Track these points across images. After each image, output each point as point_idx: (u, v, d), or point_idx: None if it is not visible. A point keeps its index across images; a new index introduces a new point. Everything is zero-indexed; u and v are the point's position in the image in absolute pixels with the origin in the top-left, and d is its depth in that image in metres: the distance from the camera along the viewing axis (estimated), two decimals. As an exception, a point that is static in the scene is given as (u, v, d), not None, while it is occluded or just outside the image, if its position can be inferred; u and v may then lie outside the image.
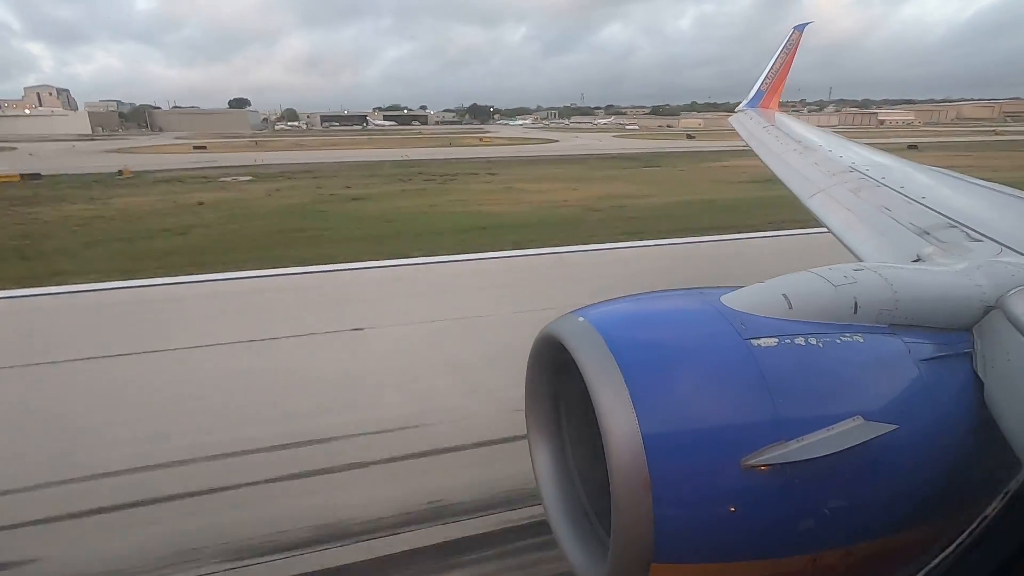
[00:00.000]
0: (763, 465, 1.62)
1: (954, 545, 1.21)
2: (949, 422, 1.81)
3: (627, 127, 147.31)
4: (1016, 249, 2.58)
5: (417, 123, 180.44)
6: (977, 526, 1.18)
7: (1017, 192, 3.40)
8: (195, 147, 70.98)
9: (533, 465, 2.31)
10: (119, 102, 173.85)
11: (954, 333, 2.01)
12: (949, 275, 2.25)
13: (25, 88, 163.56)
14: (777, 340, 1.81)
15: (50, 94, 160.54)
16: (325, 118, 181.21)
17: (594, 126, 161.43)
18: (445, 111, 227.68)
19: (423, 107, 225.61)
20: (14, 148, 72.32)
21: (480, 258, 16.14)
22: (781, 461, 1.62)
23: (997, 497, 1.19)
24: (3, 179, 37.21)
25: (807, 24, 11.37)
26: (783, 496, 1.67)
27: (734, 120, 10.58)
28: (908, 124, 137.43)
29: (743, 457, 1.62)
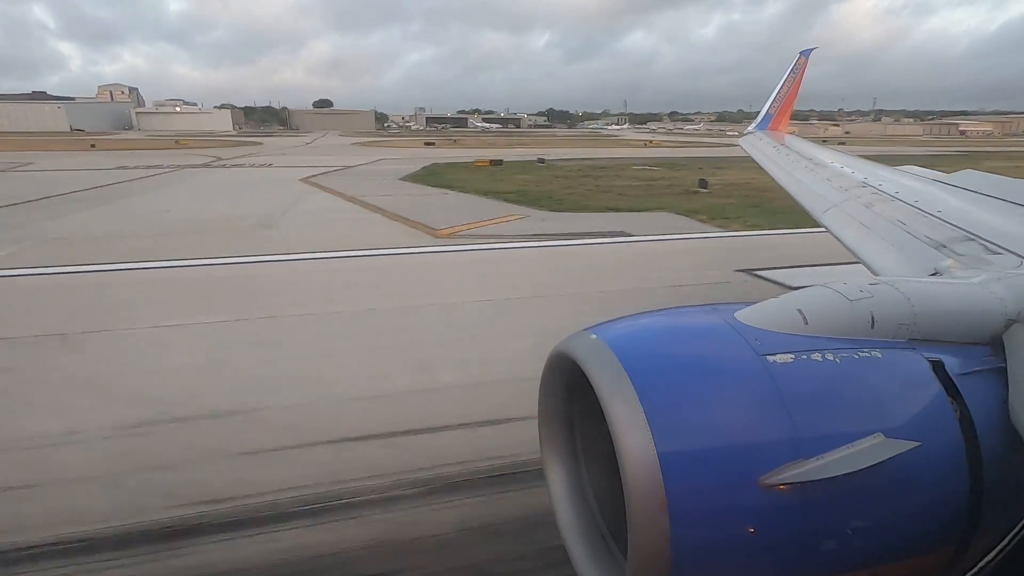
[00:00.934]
0: (782, 484, 1.59)
1: (980, 564, 1.18)
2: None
3: (727, 132, 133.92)
4: None
5: (512, 125, 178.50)
6: (1004, 547, 1.15)
7: None
8: (425, 143, 73.15)
9: (547, 484, 2.29)
10: (183, 101, 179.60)
11: (975, 347, 1.98)
12: (968, 288, 2.22)
13: (99, 86, 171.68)
14: (793, 356, 1.79)
15: (122, 92, 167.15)
16: (430, 119, 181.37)
17: (696, 131, 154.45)
18: (531, 115, 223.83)
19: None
20: (259, 143, 72.61)
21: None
22: (801, 480, 1.58)
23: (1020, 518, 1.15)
24: (480, 164, 40.42)
25: (813, 49, 11.63)
26: (803, 516, 1.63)
27: (743, 142, 10.71)
28: (988, 135, 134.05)
29: (761, 476, 1.59)
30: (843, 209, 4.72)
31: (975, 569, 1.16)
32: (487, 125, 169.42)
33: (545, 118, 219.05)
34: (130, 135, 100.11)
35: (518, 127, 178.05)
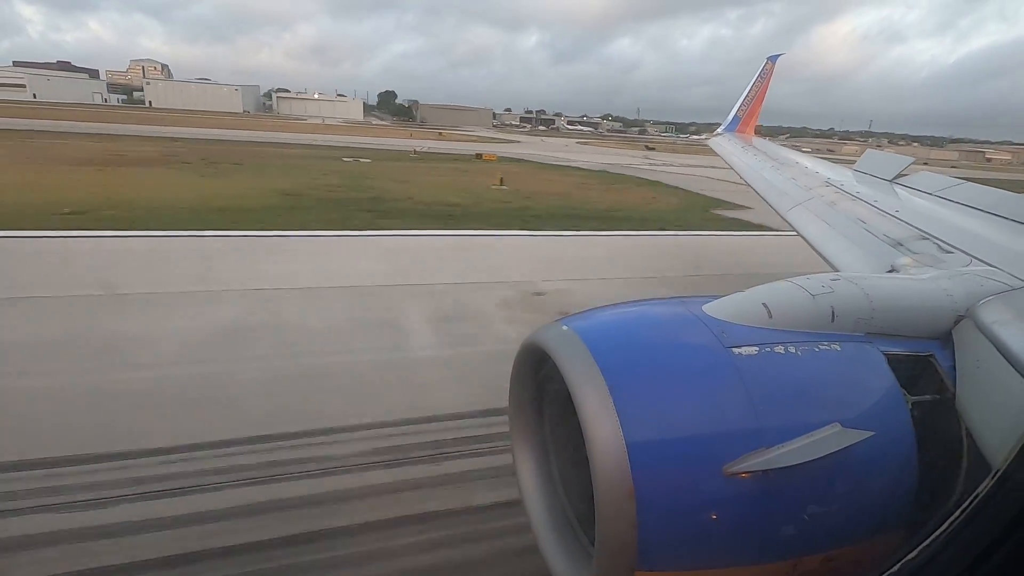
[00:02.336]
0: (744, 472, 1.63)
1: (917, 550, 1.24)
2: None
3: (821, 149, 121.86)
4: (985, 261, 2.67)
5: (590, 129, 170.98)
6: (944, 529, 1.22)
7: (982, 206, 3.52)
8: (647, 147, 70.66)
9: (517, 473, 2.30)
10: (206, 79, 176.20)
11: (927, 341, 2.07)
12: (922, 285, 2.32)
13: (131, 60, 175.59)
14: (757, 349, 1.84)
15: (154, 69, 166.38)
16: (523, 119, 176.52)
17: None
18: (606, 118, 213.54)
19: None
20: (518, 142, 67.66)
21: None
22: (762, 468, 1.63)
23: (966, 500, 1.23)
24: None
25: (780, 55, 12.00)
26: (764, 503, 1.68)
27: (712, 142, 10.97)
28: (1008, 163, 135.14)
29: (725, 464, 1.64)
30: (807, 207, 4.85)
31: (923, 552, 1.23)
32: (581, 127, 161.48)
33: (620, 124, 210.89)
34: (312, 120, 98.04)
35: (596, 129, 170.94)
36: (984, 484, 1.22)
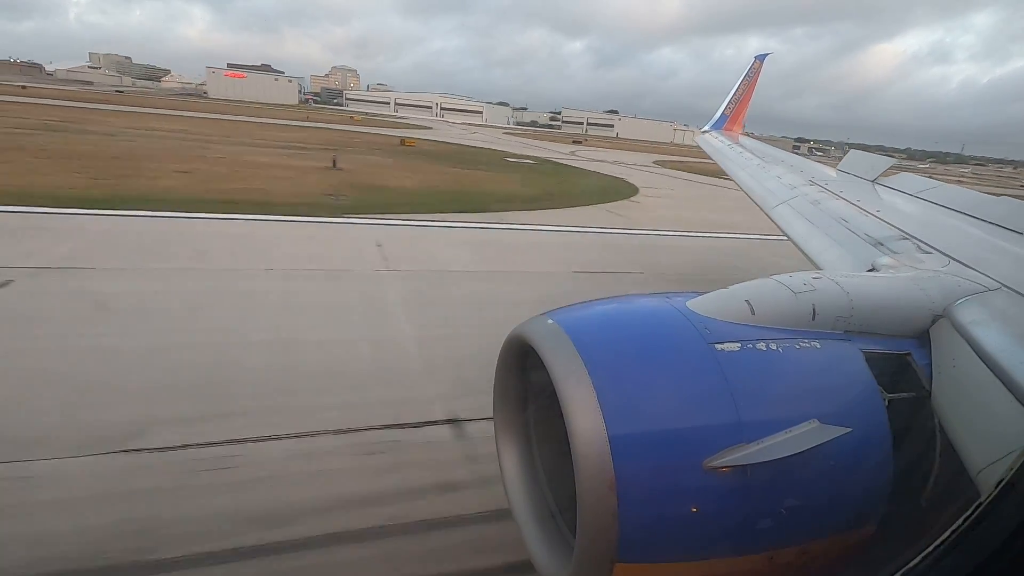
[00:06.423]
0: (724, 466, 1.65)
1: (920, 556, 1.25)
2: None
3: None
4: (962, 262, 2.72)
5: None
6: (948, 536, 1.23)
7: (961, 208, 3.57)
8: None
9: (500, 464, 2.31)
10: (383, 85, 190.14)
11: (905, 340, 2.11)
12: (901, 285, 2.35)
13: (332, 67, 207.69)
14: (740, 345, 1.85)
15: (353, 76, 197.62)
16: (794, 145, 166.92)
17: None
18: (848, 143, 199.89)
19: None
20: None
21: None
22: (741, 463, 1.65)
23: (970, 508, 1.24)
24: None
25: (767, 55, 12.04)
26: (742, 496, 1.71)
27: (700, 140, 11.03)
28: None
29: (705, 458, 1.66)
30: (791, 205, 4.90)
31: (925, 559, 1.25)
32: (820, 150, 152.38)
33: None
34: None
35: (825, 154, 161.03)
36: (989, 493, 1.23)
